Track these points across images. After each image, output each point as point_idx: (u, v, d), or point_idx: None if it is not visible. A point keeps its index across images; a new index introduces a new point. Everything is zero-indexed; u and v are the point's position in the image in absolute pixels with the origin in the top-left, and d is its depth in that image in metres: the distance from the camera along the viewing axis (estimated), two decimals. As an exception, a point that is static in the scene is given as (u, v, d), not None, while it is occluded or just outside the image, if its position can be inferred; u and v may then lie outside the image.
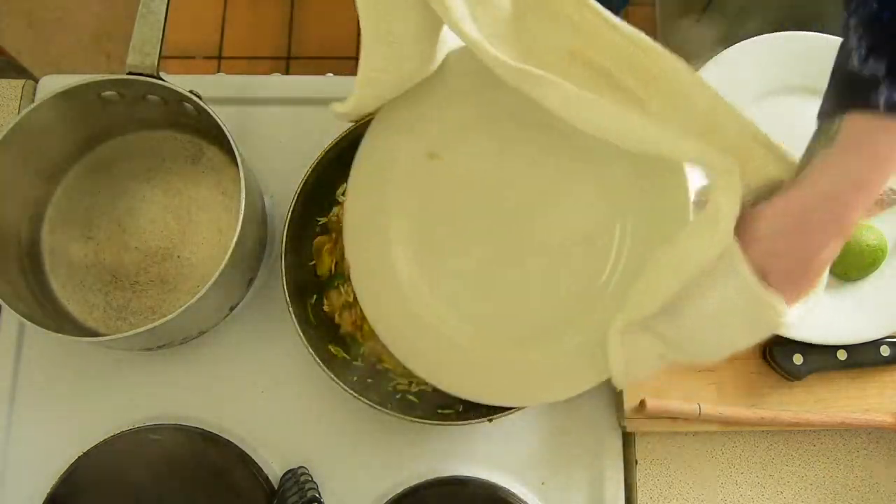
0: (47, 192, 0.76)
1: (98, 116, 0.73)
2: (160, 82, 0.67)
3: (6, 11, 1.89)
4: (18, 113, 0.80)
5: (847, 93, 0.45)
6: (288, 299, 0.65)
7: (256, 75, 0.83)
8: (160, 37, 0.67)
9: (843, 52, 0.46)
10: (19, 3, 1.90)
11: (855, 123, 0.44)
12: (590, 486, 0.72)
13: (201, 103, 0.67)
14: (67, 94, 0.67)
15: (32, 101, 0.82)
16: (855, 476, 0.73)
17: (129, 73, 0.67)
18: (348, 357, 0.70)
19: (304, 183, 0.68)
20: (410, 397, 0.69)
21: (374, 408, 0.64)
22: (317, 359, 0.64)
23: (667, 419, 0.71)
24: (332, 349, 0.70)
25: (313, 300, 0.71)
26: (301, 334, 0.65)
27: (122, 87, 0.69)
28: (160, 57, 0.67)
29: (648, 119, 0.50)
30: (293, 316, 0.65)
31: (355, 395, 0.64)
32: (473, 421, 0.64)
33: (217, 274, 0.62)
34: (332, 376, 0.64)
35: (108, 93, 0.69)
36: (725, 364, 0.73)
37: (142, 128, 0.77)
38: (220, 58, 1.97)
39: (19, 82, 0.82)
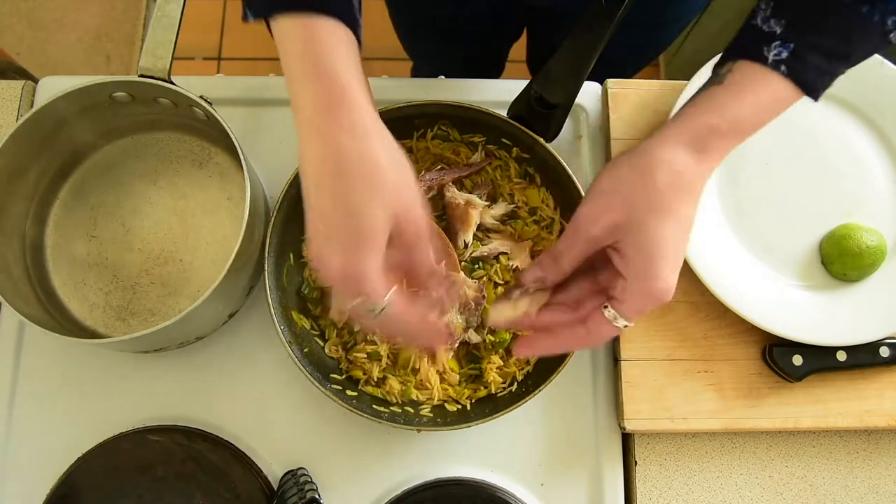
0: (54, 190, 0.76)
1: (108, 117, 0.73)
2: (171, 86, 0.67)
3: (6, 12, 1.89)
4: (19, 113, 0.81)
5: (745, 43, 0.50)
6: (275, 319, 0.67)
7: (257, 76, 0.83)
8: (174, 40, 0.67)
9: (753, 12, 0.51)
10: (19, 3, 1.90)
11: (744, 69, 0.49)
12: (589, 487, 0.72)
13: (211, 109, 0.67)
14: (78, 94, 0.67)
15: (32, 102, 0.82)
16: (855, 477, 0.73)
17: (141, 76, 0.67)
18: (339, 377, 0.71)
19: (286, 195, 0.69)
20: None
21: (365, 416, 0.65)
22: (309, 377, 0.65)
23: (666, 419, 0.71)
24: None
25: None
26: (292, 356, 0.66)
27: (134, 89, 0.69)
28: (172, 60, 0.67)
29: None
30: (281, 335, 0.67)
31: (348, 406, 0.65)
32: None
33: (218, 281, 0.62)
34: (326, 392, 0.65)
35: (119, 94, 0.70)
36: (725, 365, 0.73)
37: (151, 129, 0.78)
38: (219, 59, 1.97)
39: (19, 83, 0.82)
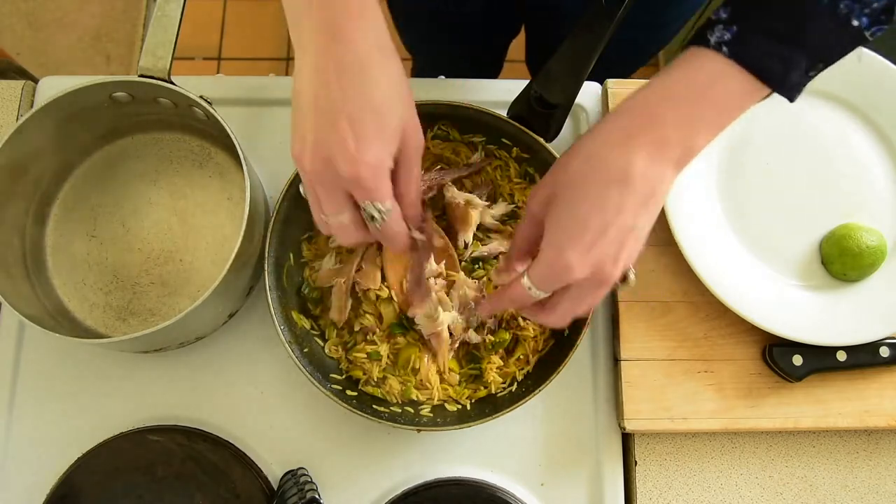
0: (54, 190, 0.76)
1: (108, 117, 0.73)
2: (171, 86, 0.67)
3: (6, 12, 1.89)
4: (19, 113, 0.81)
5: (697, 31, 0.49)
6: (275, 319, 0.67)
7: (257, 76, 0.83)
8: (174, 40, 0.67)
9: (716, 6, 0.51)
10: (19, 3, 1.90)
11: (691, 53, 0.49)
12: (589, 487, 0.72)
13: (211, 109, 0.67)
14: (78, 94, 0.67)
15: (32, 102, 0.82)
16: (855, 477, 0.73)
17: (141, 76, 0.67)
18: (339, 377, 0.71)
19: (286, 195, 0.69)
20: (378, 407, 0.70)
21: (365, 416, 0.66)
22: (309, 377, 0.65)
23: (666, 419, 0.71)
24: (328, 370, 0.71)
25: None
26: (292, 356, 0.66)
27: (134, 89, 0.69)
28: (172, 60, 0.67)
29: None
30: (281, 335, 0.67)
31: (348, 406, 0.66)
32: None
33: (218, 281, 0.62)
34: (326, 392, 0.65)
35: (119, 94, 0.70)
36: (725, 365, 0.73)
37: (151, 129, 0.78)
38: (219, 59, 1.97)
39: (19, 83, 0.82)
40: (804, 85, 0.49)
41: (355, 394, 0.69)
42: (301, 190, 0.52)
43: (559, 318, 0.53)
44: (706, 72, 0.48)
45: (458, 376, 0.71)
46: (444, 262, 0.70)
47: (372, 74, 0.46)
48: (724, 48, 0.47)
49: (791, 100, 0.49)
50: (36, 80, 0.83)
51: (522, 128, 0.70)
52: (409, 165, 0.51)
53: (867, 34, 0.47)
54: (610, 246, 0.48)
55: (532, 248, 0.54)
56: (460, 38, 1.08)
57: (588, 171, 0.49)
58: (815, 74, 0.49)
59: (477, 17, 1.01)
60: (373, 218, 0.49)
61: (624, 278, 0.53)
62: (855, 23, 0.46)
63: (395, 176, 0.50)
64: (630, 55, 1.02)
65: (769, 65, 0.47)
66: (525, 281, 0.51)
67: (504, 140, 0.73)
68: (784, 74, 0.48)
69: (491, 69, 1.25)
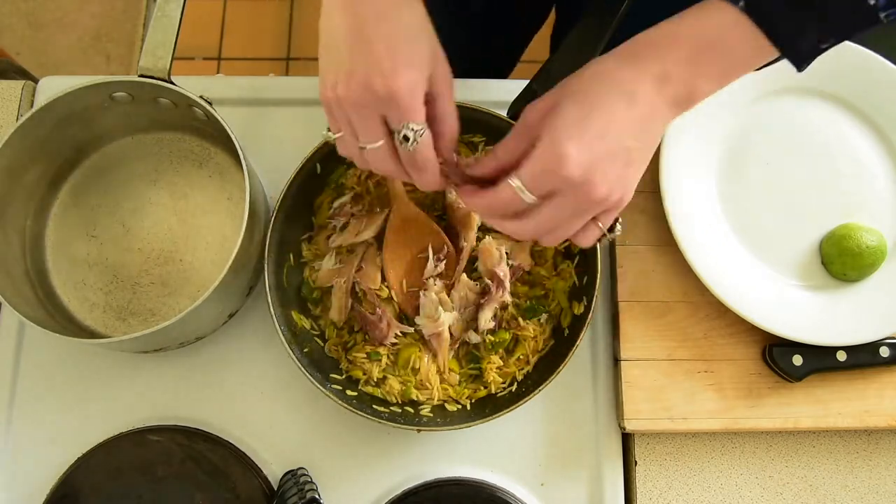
0: (54, 190, 0.76)
1: (108, 117, 0.73)
2: (171, 86, 0.67)
3: (6, 12, 1.89)
4: (19, 113, 0.81)
5: None
6: (275, 319, 0.67)
7: (258, 76, 0.84)
8: (174, 40, 0.67)
9: None
10: (19, 3, 1.90)
11: (704, 3, 0.50)
12: (589, 487, 0.72)
13: (211, 109, 0.67)
14: (78, 94, 0.67)
15: (32, 101, 0.82)
16: (855, 477, 0.73)
17: (141, 76, 0.67)
18: (339, 377, 0.71)
19: (286, 194, 0.69)
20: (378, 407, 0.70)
21: (365, 416, 0.65)
22: (309, 377, 0.65)
23: (666, 419, 0.71)
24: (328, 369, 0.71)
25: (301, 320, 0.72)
26: (292, 356, 0.66)
27: (134, 89, 0.69)
28: (172, 60, 0.67)
29: None
30: (281, 335, 0.67)
31: (348, 406, 0.66)
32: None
33: (218, 281, 0.62)
34: (326, 392, 0.65)
35: (118, 94, 0.70)
36: (725, 365, 0.73)
37: (151, 129, 0.78)
38: (219, 59, 1.97)
39: (19, 83, 0.82)
40: (814, 57, 0.49)
41: (355, 394, 0.69)
42: (325, 135, 0.53)
43: (535, 228, 0.51)
44: (716, 20, 0.49)
45: (458, 376, 0.71)
46: (443, 262, 0.70)
47: (403, 10, 0.50)
48: (741, 3, 0.47)
49: (799, 69, 0.49)
50: (36, 80, 0.83)
51: (522, 128, 0.70)
52: (442, 90, 0.52)
53: (882, 15, 0.47)
54: (606, 156, 0.48)
55: (516, 163, 0.52)
56: (459, 38, 1.08)
57: (595, 84, 0.50)
58: (827, 48, 0.49)
59: (478, 19, 1.01)
60: (406, 139, 0.50)
61: (612, 228, 0.53)
62: (871, 1, 0.46)
63: (430, 103, 0.52)
64: None
65: (780, 24, 0.48)
66: (514, 181, 0.49)
67: (504, 140, 0.73)
68: (793, 38, 0.48)
69: (491, 72, 1.24)
